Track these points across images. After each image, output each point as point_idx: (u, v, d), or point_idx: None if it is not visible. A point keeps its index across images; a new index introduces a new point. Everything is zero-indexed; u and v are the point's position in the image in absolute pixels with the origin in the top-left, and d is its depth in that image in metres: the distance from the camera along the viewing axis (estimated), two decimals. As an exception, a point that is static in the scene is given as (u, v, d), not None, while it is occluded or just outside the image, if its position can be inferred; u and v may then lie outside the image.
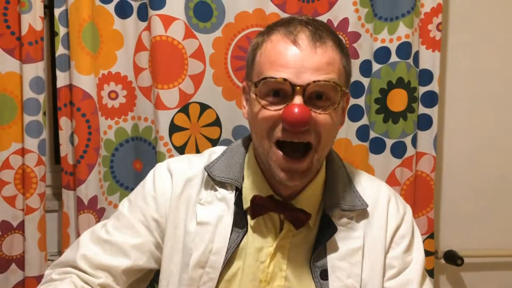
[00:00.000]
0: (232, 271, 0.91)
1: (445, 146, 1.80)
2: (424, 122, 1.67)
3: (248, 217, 0.93)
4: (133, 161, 1.65)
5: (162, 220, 0.95)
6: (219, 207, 0.92)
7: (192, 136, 1.60)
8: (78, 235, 1.57)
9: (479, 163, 1.80)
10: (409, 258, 0.94)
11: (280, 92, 0.83)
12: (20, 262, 1.57)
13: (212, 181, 0.94)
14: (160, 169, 0.99)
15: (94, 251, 0.95)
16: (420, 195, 1.70)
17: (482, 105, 1.78)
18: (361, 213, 0.93)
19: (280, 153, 0.85)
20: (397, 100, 1.64)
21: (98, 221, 1.59)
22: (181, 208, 0.94)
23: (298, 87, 0.81)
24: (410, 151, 1.67)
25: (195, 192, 0.95)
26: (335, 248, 0.90)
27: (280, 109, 0.82)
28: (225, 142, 1.62)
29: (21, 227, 1.56)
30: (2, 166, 1.53)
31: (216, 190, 0.94)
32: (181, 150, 1.58)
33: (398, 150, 1.67)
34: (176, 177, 0.96)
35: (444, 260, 1.79)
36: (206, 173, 0.94)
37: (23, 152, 1.53)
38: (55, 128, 1.72)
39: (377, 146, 1.67)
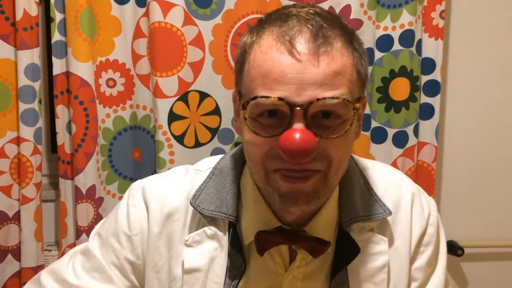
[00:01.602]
0: None
1: (446, 136, 1.79)
2: (426, 112, 1.65)
3: (249, 252, 0.77)
4: (132, 150, 1.62)
5: (139, 262, 0.79)
6: (210, 247, 0.76)
7: (191, 125, 1.57)
8: (76, 224, 1.55)
9: (480, 153, 1.79)
10: (430, 269, 0.82)
11: (277, 112, 0.65)
12: (16, 253, 1.55)
13: (200, 214, 0.77)
14: (134, 198, 0.81)
15: None
16: (421, 185, 1.61)
17: (484, 95, 1.76)
18: (383, 220, 0.78)
19: (278, 175, 0.68)
20: (400, 89, 1.62)
21: (96, 210, 1.57)
22: (162, 249, 0.78)
23: (298, 107, 0.63)
24: (412, 141, 1.65)
25: (179, 229, 0.78)
26: (358, 269, 0.76)
27: (277, 135, 0.64)
28: (225, 132, 1.60)
29: (17, 217, 1.53)
30: (-3, 155, 1.50)
31: (205, 225, 0.77)
32: (180, 139, 1.55)
33: (400, 139, 1.65)
34: (154, 212, 0.78)
35: (444, 250, 1.78)
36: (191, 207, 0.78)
37: (18, 140, 1.50)
38: (51, 116, 1.69)
39: (378, 136, 1.66)
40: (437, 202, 1.75)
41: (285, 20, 0.65)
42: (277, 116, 0.65)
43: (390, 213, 0.77)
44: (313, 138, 0.63)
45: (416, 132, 1.65)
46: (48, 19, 1.57)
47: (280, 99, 0.63)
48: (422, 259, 0.81)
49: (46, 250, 1.62)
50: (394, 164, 1.66)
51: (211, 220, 0.76)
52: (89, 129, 1.51)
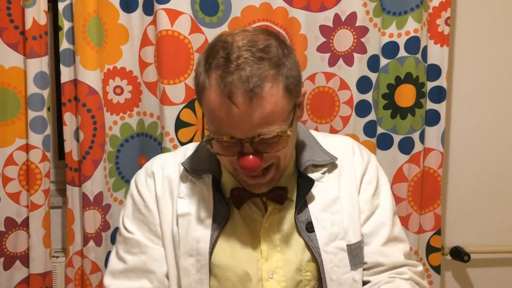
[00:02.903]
0: (219, 255, 0.94)
1: (452, 142, 1.79)
2: (432, 118, 1.65)
3: (231, 203, 0.96)
4: (139, 157, 1.63)
5: (157, 221, 0.98)
6: (198, 197, 0.96)
7: (198, 132, 1.58)
8: (83, 231, 1.56)
9: (486, 159, 1.79)
10: (376, 202, 1.00)
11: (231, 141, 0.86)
12: (25, 259, 1.56)
13: (189, 174, 0.97)
14: (140, 176, 1.02)
15: (123, 285, 0.97)
16: (428, 191, 1.69)
17: (490, 101, 1.77)
18: (331, 166, 0.99)
19: (243, 174, 0.89)
20: (405, 95, 1.63)
21: (103, 217, 1.58)
22: (167, 205, 0.98)
23: (245, 141, 0.84)
24: (418, 147, 1.66)
25: (175, 187, 0.98)
26: (315, 201, 0.95)
27: (234, 155, 0.87)
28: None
29: (25, 224, 1.55)
30: (6, 162, 1.51)
31: (194, 183, 0.97)
32: (187, 146, 1.56)
33: (406, 146, 1.65)
34: (157, 177, 0.99)
35: (450, 256, 1.78)
36: (182, 168, 0.98)
37: (27, 148, 1.51)
38: (58, 123, 1.70)
39: (384, 142, 1.66)
40: (443, 208, 1.77)
41: (225, 75, 0.80)
42: (232, 141, 0.86)
43: (336, 158, 0.98)
44: (259, 159, 0.85)
45: (422, 138, 1.66)
46: (55, 27, 1.59)
47: (231, 138, 0.84)
48: (366, 194, 0.99)
49: (53, 256, 1.63)
50: (400, 171, 1.66)
51: (199, 178, 0.97)
52: (97, 137, 1.52)
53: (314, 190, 0.95)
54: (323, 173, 0.98)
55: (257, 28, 0.88)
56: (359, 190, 0.99)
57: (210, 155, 0.97)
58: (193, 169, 0.97)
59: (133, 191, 1.01)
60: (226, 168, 0.93)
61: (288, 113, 0.85)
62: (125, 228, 1.00)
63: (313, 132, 1.06)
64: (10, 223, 1.54)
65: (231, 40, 0.84)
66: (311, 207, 0.95)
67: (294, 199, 0.96)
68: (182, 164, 0.98)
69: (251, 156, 0.84)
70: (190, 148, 1.04)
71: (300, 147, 1.00)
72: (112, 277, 0.98)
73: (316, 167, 0.97)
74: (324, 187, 0.96)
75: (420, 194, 1.68)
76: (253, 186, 0.91)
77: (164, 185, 0.99)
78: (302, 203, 0.95)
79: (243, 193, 0.94)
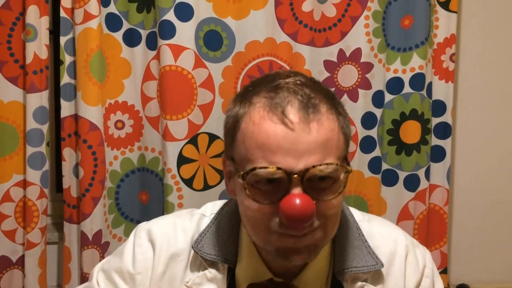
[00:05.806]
0: None
1: (456, 178, 1.77)
2: (437, 154, 1.64)
3: None
4: (139, 192, 1.59)
5: None
6: None
7: (200, 168, 1.55)
8: (81, 271, 1.51)
9: (491, 196, 1.77)
10: None
11: (275, 179, 0.68)
12: (19, 299, 1.51)
13: (201, 258, 0.80)
14: (140, 238, 0.84)
15: None
16: (434, 229, 1.66)
17: (495, 136, 1.75)
18: (376, 273, 0.81)
19: (279, 234, 0.70)
20: (411, 131, 1.61)
21: (102, 256, 1.53)
22: None
23: (295, 175, 0.66)
24: (423, 184, 1.63)
25: (181, 269, 0.81)
26: None
27: (275, 202, 0.68)
28: (234, 174, 1.57)
29: (20, 263, 1.49)
30: (2, 199, 1.47)
31: (205, 268, 0.80)
32: (189, 182, 1.53)
33: (412, 183, 1.63)
34: (159, 252, 0.82)
35: (456, 295, 1.75)
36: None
37: (24, 184, 1.47)
38: (56, 157, 1.66)
39: (389, 179, 1.64)
40: (448, 245, 1.74)
41: (274, 91, 0.69)
42: (275, 182, 0.68)
43: (382, 265, 0.80)
44: (312, 202, 0.66)
45: (427, 175, 1.64)
46: (56, 60, 1.56)
47: (278, 168, 0.66)
48: None
49: (49, 295, 1.58)
50: (405, 208, 1.63)
51: (212, 264, 0.80)
52: (97, 173, 1.48)
53: None
54: (365, 280, 0.79)
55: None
56: None
57: (228, 233, 0.81)
58: (207, 253, 0.79)
59: (126, 252, 0.83)
60: (255, 230, 0.73)
61: (344, 157, 0.71)
62: (96, 282, 0.84)
63: (358, 217, 0.85)
64: (5, 262, 1.49)
65: (282, 80, 0.71)
66: None
67: None
68: (193, 247, 0.80)
69: (298, 200, 0.65)
70: (207, 215, 0.85)
71: (340, 241, 0.80)
72: None
73: (356, 272, 0.79)
74: None
75: (426, 232, 1.66)
76: (290, 252, 0.70)
77: (168, 265, 0.81)
78: None
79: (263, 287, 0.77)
